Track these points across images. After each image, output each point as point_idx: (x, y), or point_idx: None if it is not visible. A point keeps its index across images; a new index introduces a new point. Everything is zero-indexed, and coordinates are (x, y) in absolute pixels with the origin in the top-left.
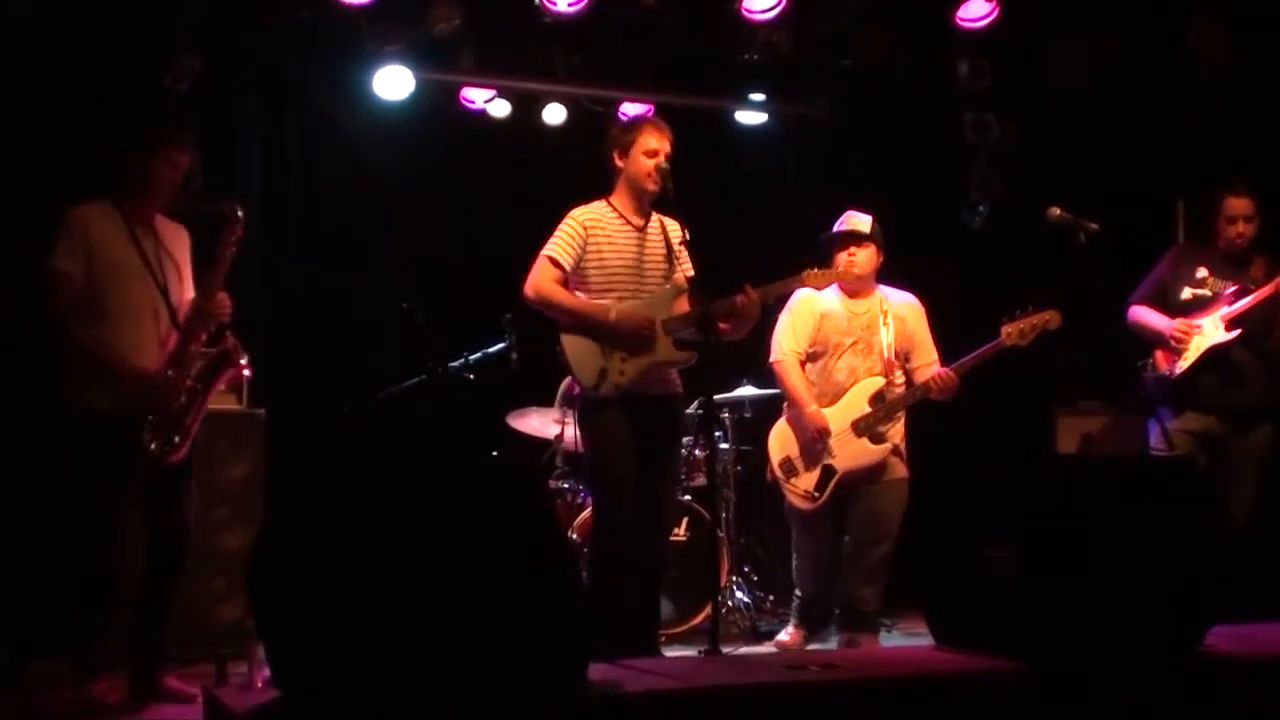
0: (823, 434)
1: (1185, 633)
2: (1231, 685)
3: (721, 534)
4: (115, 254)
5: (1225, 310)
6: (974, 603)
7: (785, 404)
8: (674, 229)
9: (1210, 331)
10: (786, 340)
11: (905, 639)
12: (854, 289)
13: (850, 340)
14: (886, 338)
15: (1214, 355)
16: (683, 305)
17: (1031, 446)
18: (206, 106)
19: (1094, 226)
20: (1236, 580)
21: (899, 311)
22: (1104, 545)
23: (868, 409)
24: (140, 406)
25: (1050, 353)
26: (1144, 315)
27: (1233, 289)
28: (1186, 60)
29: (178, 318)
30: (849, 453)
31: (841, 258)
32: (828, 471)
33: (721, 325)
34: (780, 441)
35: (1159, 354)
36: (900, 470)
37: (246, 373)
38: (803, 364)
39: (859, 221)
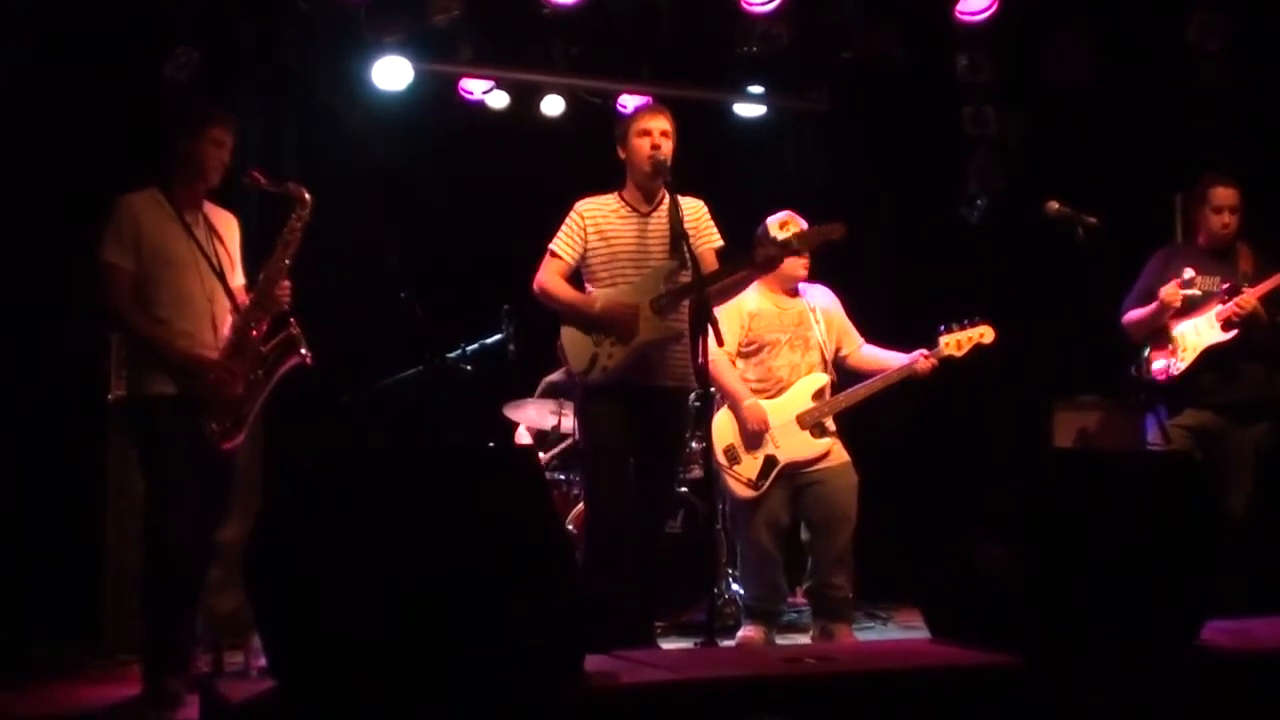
0: (762, 424)
1: (1181, 627)
2: (1227, 680)
3: (718, 526)
4: (166, 241)
5: (1220, 308)
6: (970, 596)
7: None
8: (690, 207)
9: (1207, 331)
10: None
11: (901, 632)
12: (788, 288)
13: (785, 337)
14: (820, 333)
15: (1211, 354)
16: (679, 282)
17: (1028, 441)
18: (207, 96)
19: (1092, 220)
20: (1232, 575)
21: (824, 305)
22: (1100, 540)
23: (811, 404)
24: (199, 393)
25: (1048, 347)
26: (1137, 313)
27: (1225, 286)
28: (1185, 54)
29: (235, 302)
30: (792, 445)
31: (797, 261)
32: (769, 461)
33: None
34: (724, 429)
35: (1154, 354)
36: (844, 455)
37: (309, 360)
38: (733, 361)
39: (804, 224)
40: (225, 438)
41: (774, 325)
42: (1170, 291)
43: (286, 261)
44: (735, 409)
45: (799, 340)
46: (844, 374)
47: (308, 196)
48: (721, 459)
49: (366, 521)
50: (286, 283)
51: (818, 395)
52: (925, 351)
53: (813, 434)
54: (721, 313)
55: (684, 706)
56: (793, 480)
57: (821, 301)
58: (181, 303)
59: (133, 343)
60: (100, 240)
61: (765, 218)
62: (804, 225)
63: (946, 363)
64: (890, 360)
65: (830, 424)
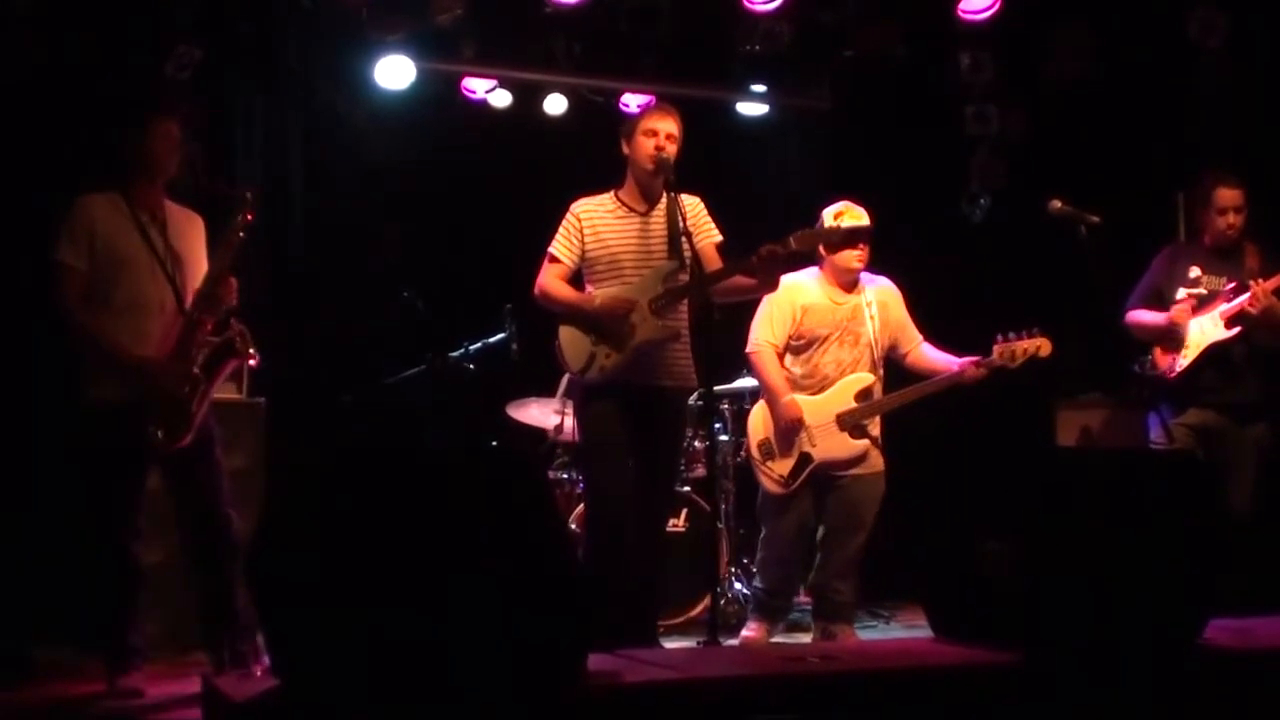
0: (796, 424)
1: (1184, 626)
2: (1230, 678)
3: (720, 525)
4: (120, 244)
5: (1224, 306)
6: (973, 595)
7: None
8: (687, 203)
9: (1210, 328)
10: (762, 332)
11: (904, 631)
12: (845, 282)
13: (836, 332)
14: (873, 330)
15: (1213, 352)
16: (677, 282)
17: (1031, 439)
18: (209, 95)
19: (1095, 219)
20: (1235, 574)
21: (881, 299)
22: (1103, 538)
23: (853, 404)
24: (144, 395)
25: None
26: (1142, 316)
27: (1230, 285)
28: (1187, 52)
29: (185, 305)
30: (829, 444)
31: (851, 255)
32: (804, 459)
33: (745, 281)
34: (760, 423)
35: (1157, 351)
36: (878, 462)
37: (253, 361)
38: (781, 356)
39: (863, 216)
40: (172, 440)
41: (825, 321)
42: (1181, 312)
43: (229, 260)
44: (772, 405)
45: (849, 337)
46: (900, 372)
47: (250, 197)
48: (755, 453)
49: (369, 521)
50: (232, 281)
51: (861, 396)
52: (976, 359)
53: (851, 434)
54: (773, 305)
55: (687, 706)
56: (823, 479)
57: (879, 296)
58: (133, 304)
59: (79, 344)
60: (55, 240)
61: (767, 216)
62: (863, 215)
63: (999, 373)
64: (945, 364)
65: (873, 426)
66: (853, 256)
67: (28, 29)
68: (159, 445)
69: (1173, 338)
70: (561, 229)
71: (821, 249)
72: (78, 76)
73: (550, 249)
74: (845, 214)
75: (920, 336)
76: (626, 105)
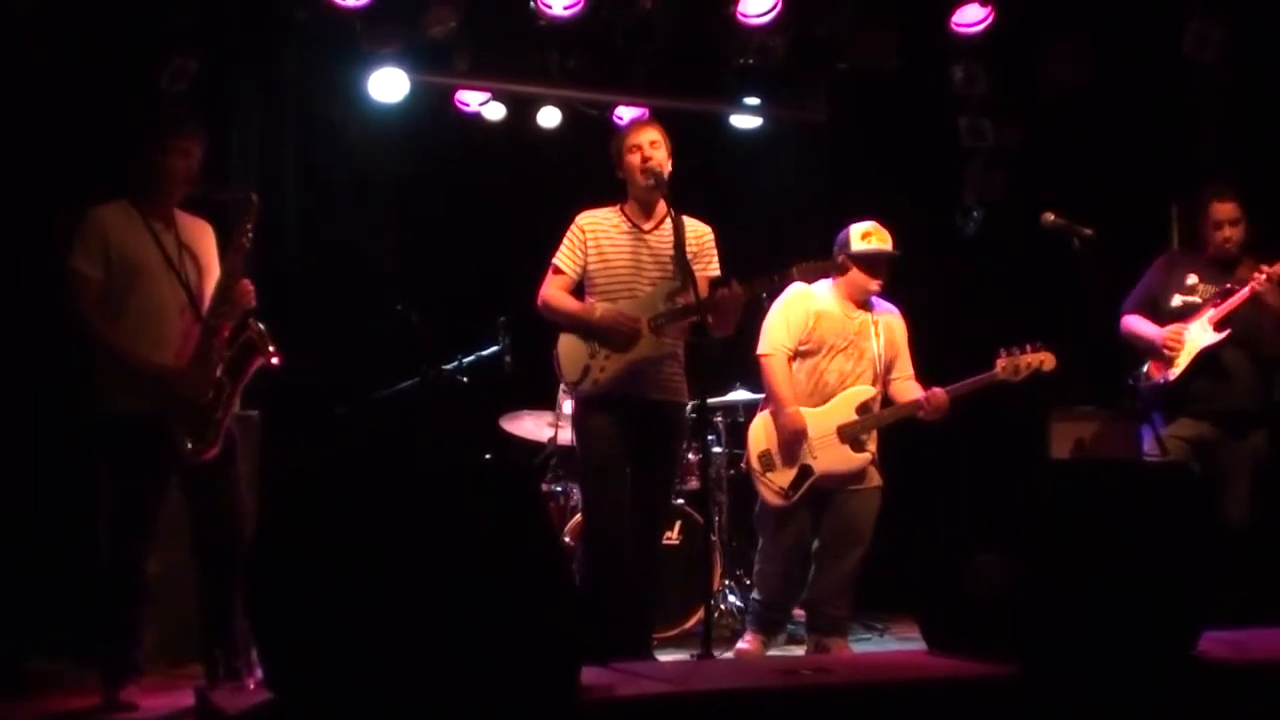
0: (799, 435)
1: (1178, 638)
2: (1225, 691)
3: (714, 537)
4: (135, 252)
5: (1212, 312)
6: (966, 607)
7: (766, 397)
8: (697, 231)
9: (1199, 334)
10: (778, 335)
11: (897, 644)
12: (857, 299)
13: (843, 343)
14: (877, 347)
15: (1205, 358)
16: (677, 303)
17: (1025, 451)
18: (203, 107)
19: (1089, 232)
20: (1230, 586)
21: (887, 321)
22: (1097, 550)
23: (854, 417)
24: (166, 404)
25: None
26: (1136, 325)
27: (1225, 287)
28: (1182, 65)
29: (201, 311)
30: (830, 457)
31: (870, 277)
32: (805, 471)
33: (708, 319)
34: (761, 434)
35: (1152, 363)
36: (876, 479)
37: (275, 360)
38: (790, 360)
39: (888, 239)
40: (201, 450)
41: (836, 329)
42: (1173, 342)
43: (241, 264)
44: (777, 414)
45: (855, 350)
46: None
47: (255, 199)
48: (755, 464)
49: (363, 534)
50: (247, 282)
51: (862, 408)
52: (935, 392)
53: (853, 447)
54: (788, 307)
55: (682, 719)
56: (822, 493)
57: (886, 319)
58: (149, 313)
59: (98, 355)
60: (69, 248)
61: (761, 229)
62: (888, 238)
63: (1001, 386)
64: (913, 399)
65: (870, 443)
66: (871, 278)
67: (28, 29)
68: (188, 456)
69: (1162, 357)
70: (565, 240)
71: (845, 263)
72: (77, 78)
73: (554, 260)
74: (873, 236)
75: (911, 371)
76: (620, 118)
